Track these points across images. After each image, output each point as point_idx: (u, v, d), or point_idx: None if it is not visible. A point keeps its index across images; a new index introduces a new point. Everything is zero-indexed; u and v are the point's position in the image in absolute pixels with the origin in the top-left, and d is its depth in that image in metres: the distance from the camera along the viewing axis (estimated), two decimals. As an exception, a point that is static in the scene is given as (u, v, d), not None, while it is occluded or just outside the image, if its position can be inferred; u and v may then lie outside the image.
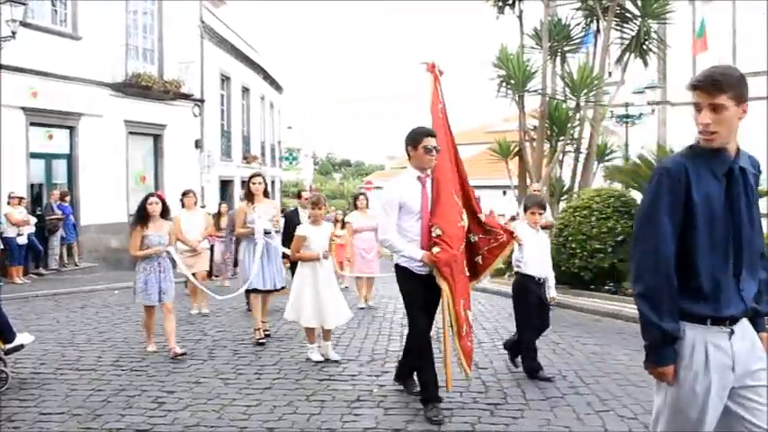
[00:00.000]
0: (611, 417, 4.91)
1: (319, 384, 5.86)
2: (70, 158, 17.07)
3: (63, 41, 16.46)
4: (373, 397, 5.46)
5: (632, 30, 14.26)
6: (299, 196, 10.45)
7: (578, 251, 10.69)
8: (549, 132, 14.29)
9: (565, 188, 14.60)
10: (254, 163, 28.55)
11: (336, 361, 6.60)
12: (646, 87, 21.14)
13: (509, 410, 5.07)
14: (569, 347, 7.28)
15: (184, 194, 9.88)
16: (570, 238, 10.86)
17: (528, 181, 14.20)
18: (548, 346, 7.13)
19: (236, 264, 12.33)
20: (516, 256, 6.03)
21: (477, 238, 5.38)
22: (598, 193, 11.17)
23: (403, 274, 5.04)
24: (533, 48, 14.84)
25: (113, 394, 5.59)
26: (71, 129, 16.95)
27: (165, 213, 7.14)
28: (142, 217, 7.01)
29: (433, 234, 4.84)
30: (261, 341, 7.54)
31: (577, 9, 14.75)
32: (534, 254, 6.05)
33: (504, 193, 33.92)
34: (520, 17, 15.19)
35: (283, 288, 8.02)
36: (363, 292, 10.37)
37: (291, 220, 9.70)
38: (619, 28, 14.49)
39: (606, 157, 15.07)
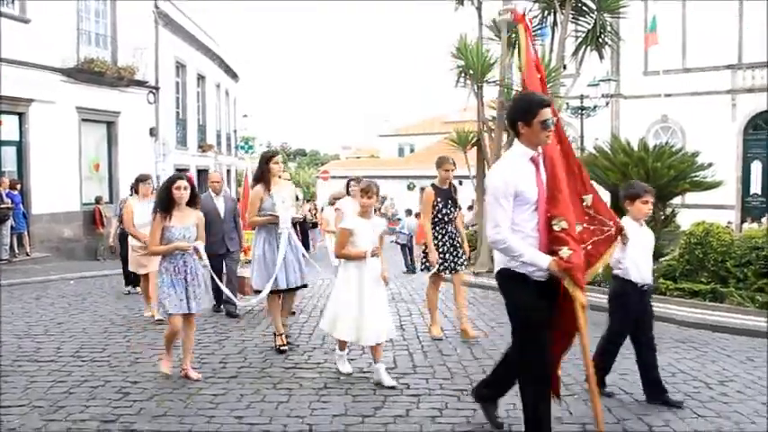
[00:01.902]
0: (574, 400, 5.04)
1: (286, 372, 5.86)
2: (20, 145, 16.57)
3: (10, 24, 15.92)
4: (340, 384, 5.49)
5: (588, 23, 14.50)
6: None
7: (536, 240, 10.85)
8: (507, 123, 14.44)
9: (522, 178, 14.80)
10: (210, 152, 28.22)
11: (392, 387, 5.38)
12: (600, 80, 21.54)
13: (475, 396, 5.15)
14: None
15: (141, 181, 8.58)
16: (529, 228, 11.02)
17: (486, 171, 14.36)
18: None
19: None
20: (616, 256, 4.81)
21: (581, 227, 4.14)
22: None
23: (515, 280, 3.87)
24: (492, 39, 14.98)
25: (75, 385, 5.51)
26: (21, 115, 16.45)
27: (192, 201, 5.74)
28: (165, 204, 5.60)
29: (556, 228, 3.77)
30: (282, 348, 6.54)
31: (535, 1, 14.93)
32: (638, 254, 4.95)
33: (461, 183, 34.47)
34: (479, 8, 15.30)
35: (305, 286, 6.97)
36: None
37: None
38: (575, 21, 14.73)
39: (562, 149, 15.30)
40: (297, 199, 6.88)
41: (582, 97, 21.61)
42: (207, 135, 28.21)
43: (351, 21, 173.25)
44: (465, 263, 7.41)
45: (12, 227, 15.39)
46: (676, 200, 11.61)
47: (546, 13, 14.83)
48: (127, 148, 20.17)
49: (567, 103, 20.12)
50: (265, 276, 6.50)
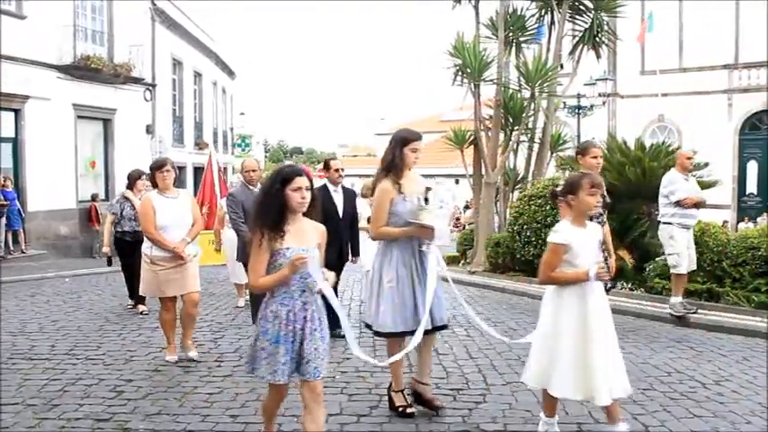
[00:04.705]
0: (569, 401, 5.02)
1: (281, 371, 5.83)
2: (16, 142, 16.53)
3: (6, 20, 15.85)
4: (336, 383, 5.47)
5: (585, 22, 14.50)
6: (326, 168, 7.36)
7: (533, 239, 10.87)
8: (503, 122, 14.45)
9: (519, 177, 14.83)
10: (205, 149, 28.16)
11: None
12: (597, 79, 21.56)
13: (471, 395, 5.15)
14: (526, 333, 7.37)
15: (158, 168, 6.22)
16: (525, 227, 11.04)
17: (483, 170, 14.35)
18: (505, 332, 7.25)
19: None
20: None
21: None
22: (552, 182, 11.35)
23: None
24: (489, 38, 14.96)
25: (70, 383, 5.49)
26: (17, 111, 16.40)
27: (311, 206, 3.67)
28: (277, 216, 3.58)
29: None
30: (409, 411, 4.72)
31: (532, 0, 14.92)
32: None
33: (457, 181, 34.42)
34: (476, 7, 15.28)
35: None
36: None
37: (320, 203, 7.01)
38: (572, 20, 14.72)
39: (559, 147, 15.33)
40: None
41: (579, 96, 21.62)
42: (203, 132, 28.17)
43: (348, 20, 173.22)
44: (614, 282, 6.03)
45: (6, 224, 15.35)
46: (672, 199, 11.62)
47: (543, 11, 14.81)
48: (123, 145, 20.12)
49: (564, 103, 20.15)
50: (401, 313, 4.55)
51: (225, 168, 31.22)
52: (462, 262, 14.56)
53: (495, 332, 4.96)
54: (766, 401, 5.08)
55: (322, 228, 3.77)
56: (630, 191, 10.50)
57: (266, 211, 3.60)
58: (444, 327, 4.79)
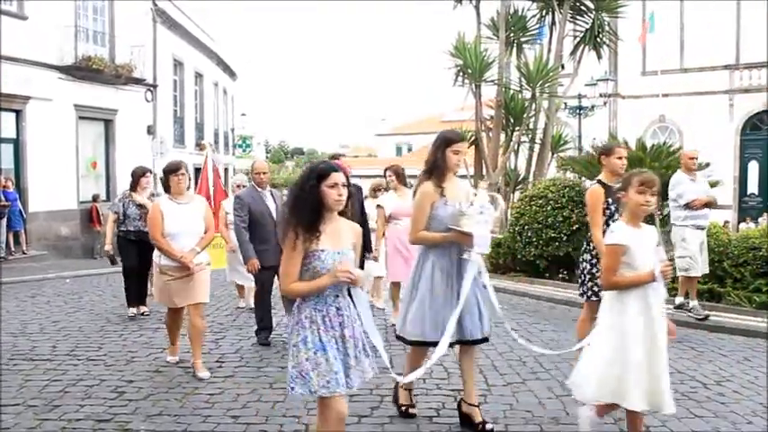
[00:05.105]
0: (570, 400, 5.01)
1: (282, 372, 5.81)
2: (17, 143, 16.54)
3: (8, 21, 15.85)
4: (337, 384, 5.46)
5: (586, 23, 14.52)
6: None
7: (534, 239, 10.87)
8: (504, 122, 14.47)
9: (520, 178, 14.83)
10: (203, 150, 28.18)
11: None
12: (598, 80, 21.56)
13: (472, 396, 5.13)
14: (527, 334, 7.42)
15: (172, 171, 5.94)
16: (526, 227, 11.03)
17: (484, 170, 14.36)
18: (507, 333, 7.23)
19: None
20: None
21: None
22: (553, 182, 11.35)
23: None
24: (490, 38, 14.98)
25: (71, 384, 5.48)
26: (18, 112, 16.41)
27: (346, 204, 3.44)
28: (312, 215, 3.34)
29: None
30: (411, 411, 4.73)
31: (533, 0, 14.93)
32: None
33: (458, 182, 34.51)
34: (477, 7, 15.30)
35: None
36: (378, 291, 8.97)
37: None
38: (573, 20, 14.74)
39: (560, 148, 15.34)
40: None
41: (580, 97, 21.62)
42: (204, 133, 28.18)
43: (349, 20, 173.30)
44: None
45: (7, 225, 15.35)
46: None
47: (544, 12, 14.83)
48: (124, 146, 20.12)
49: (565, 103, 20.17)
50: (430, 323, 4.32)
51: (225, 169, 31.32)
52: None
53: (538, 348, 4.99)
54: (767, 402, 5.08)
55: (358, 228, 3.57)
56: (631, 191, 10.49)
57: (301, 208, 3.34)
58: (477, 341, 4.47)
